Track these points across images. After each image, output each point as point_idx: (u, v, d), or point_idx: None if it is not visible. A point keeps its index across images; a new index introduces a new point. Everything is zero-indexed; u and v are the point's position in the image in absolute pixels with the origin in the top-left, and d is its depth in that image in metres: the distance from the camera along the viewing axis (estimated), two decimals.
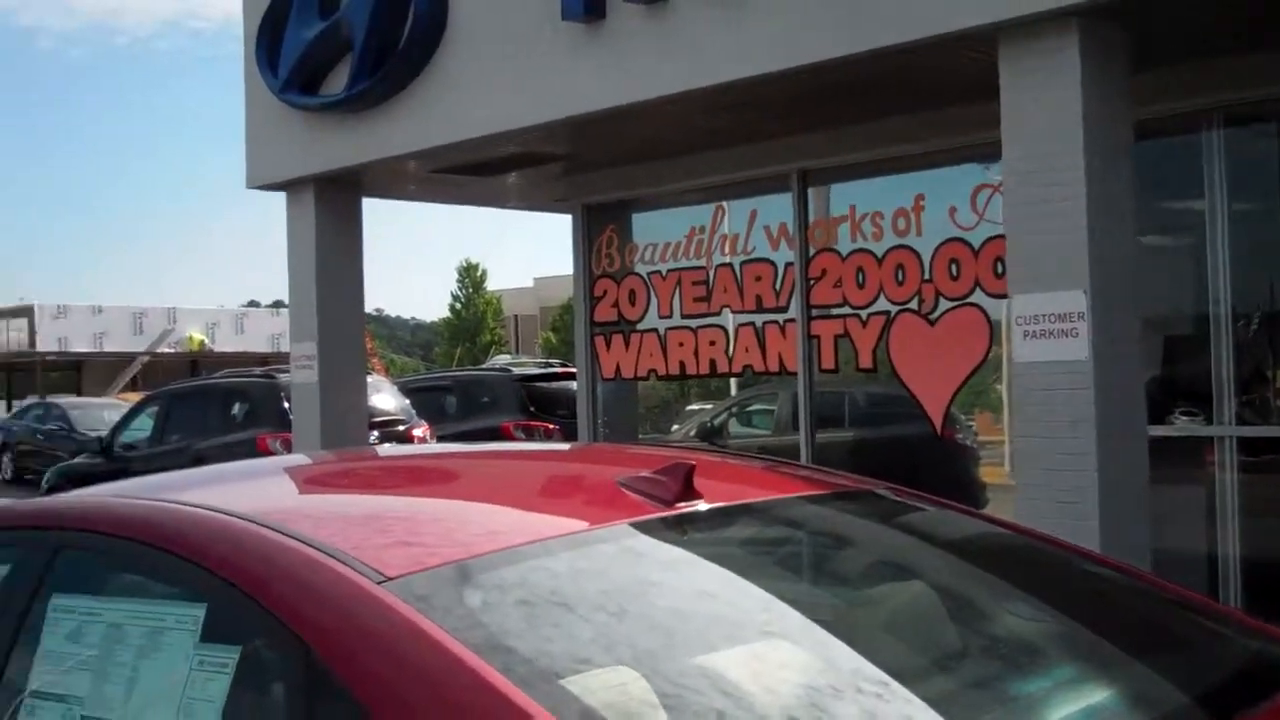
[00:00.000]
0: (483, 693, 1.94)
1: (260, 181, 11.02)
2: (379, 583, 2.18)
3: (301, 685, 2.15)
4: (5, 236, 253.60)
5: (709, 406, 11.53)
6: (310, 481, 3.63)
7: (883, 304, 8.83)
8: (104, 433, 17.47)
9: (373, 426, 12.33)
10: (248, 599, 2.28)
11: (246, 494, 3.16)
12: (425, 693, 2.00)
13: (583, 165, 10.49)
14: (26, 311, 40.21)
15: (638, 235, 10.64)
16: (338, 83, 9.89)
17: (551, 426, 15.04)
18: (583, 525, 2.71)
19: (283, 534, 2.39)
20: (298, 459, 5.24)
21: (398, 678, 2.03)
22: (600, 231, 10.77)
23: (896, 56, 6.83)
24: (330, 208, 10.73)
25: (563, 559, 2.48)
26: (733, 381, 11.07)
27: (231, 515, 2.54)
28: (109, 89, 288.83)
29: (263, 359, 33.45)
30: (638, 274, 10.45)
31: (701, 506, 2.72)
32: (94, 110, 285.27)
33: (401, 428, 14.47)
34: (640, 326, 10.37)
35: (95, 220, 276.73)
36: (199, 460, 12.70)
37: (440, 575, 2.27)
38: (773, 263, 9.54)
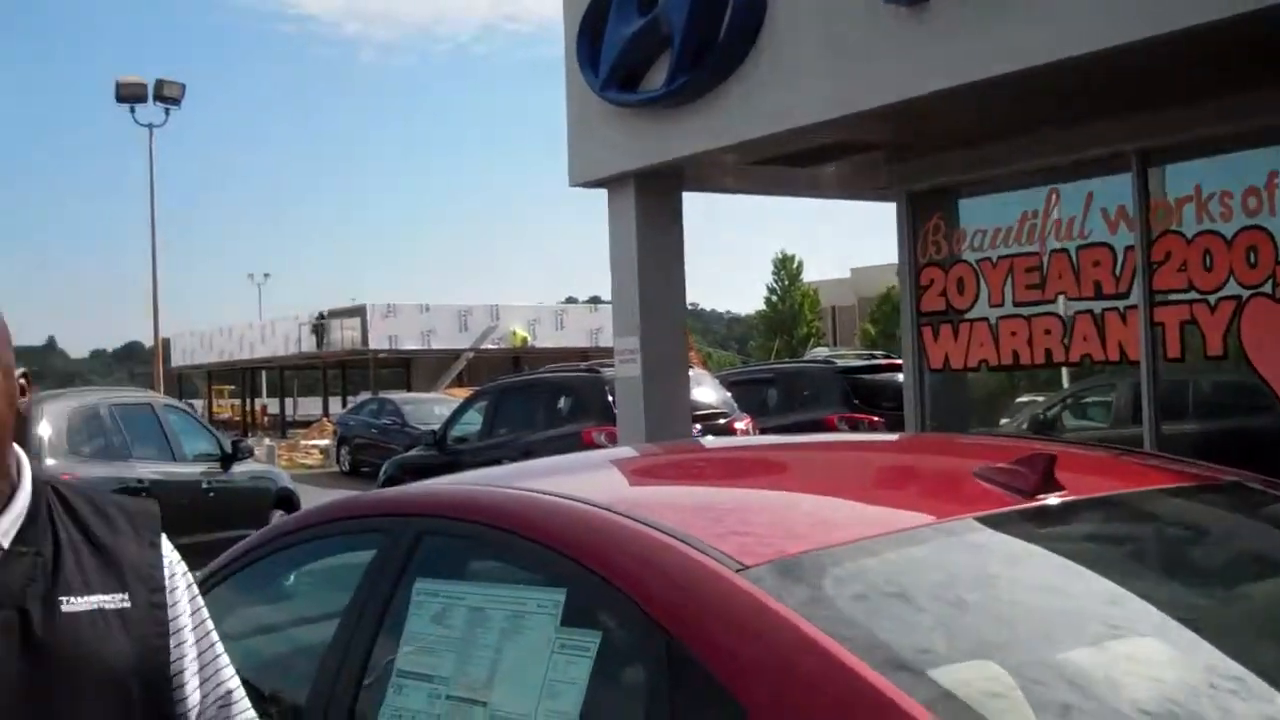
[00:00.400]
0: (858, 688, 1.89)
1: (582, 179, 11.27)
2: (737, 570, 2.17)
3: (664, 671, 2.15)
4: (341, 240, 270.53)
5: (1040, 399, 11.06)
6: (654, 472, 3.67)
7: (1233, 288, 8.26)
8: (434, 426, 18.24)
9: (695, 420, 12.43)
10: (608, 585, 2.31)
11: (597, 483, 3.21)
12: (796, 685, 1.97)
13: (906, 151, 10.26)
14: (359, 311, 42.31)
15: (965, 221, 10.31)
16: (657, 78, 10.00)
17: (876, 419, 14.78)
18: (936, 517, 2.61)
19: (640, 522, 2.40)
20: (635, 450, 5.32)
21: (764, 667, 2.01)
22: (926, 219, 10.49)
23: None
24: (651, 203, 10.86)
25: (923, 550, 2.41)
26: (1064, 373, 10.59)
27: (589, 504, 2.57)
28: (433, 95, 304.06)
29: (582, 354, 34.34)
30: (966, 261, 10.13)
31: (1061, 499, 2.60)
32: (418, 117, 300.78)
33: (723, 421, 14.52)
34: (969, 315, 10.05)
35: (423, 222, 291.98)
36: (527, 453, 13.12)
37: (798, 564, 2.23)
38: (1111, 247, 9.05)
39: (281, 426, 46.56)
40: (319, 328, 43.89)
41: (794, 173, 11.08)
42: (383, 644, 2.78)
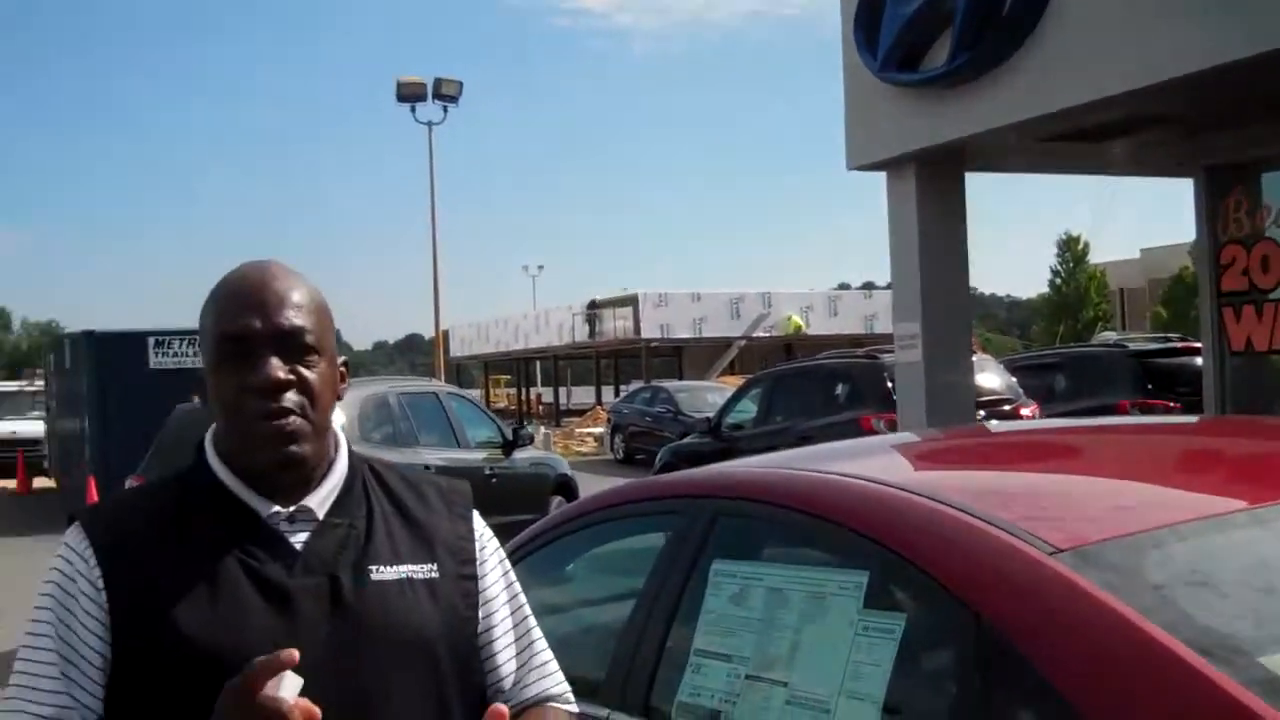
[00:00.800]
0: (1183, 675, 1.83)
1: (861, 162, 11.15)
2: (1050, 554, 2.12)
3: (974, 654, 2.12)
4: (613, 231, 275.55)
5: None
6: (944, 455, 3.60)
7: None
8: (708, 414, 18.34)
9: (978, 406, 12.11)
10: (913, 568, 2.28)
11: (892, 466, 3.18)
12: (1118, 671, 1.91)
13: (1203, 125, 9.76)
14: (631, 300, 42.76)
15: (1270, 197, 9.72)
16: (938, 57, 9.81)
17: (1173, 405, 14.08)
18: (1249, 502, 2.47)
19: (945, 505, 2.36)
20: (921, 435, 5.23)
21: (1082, 652, 1.96)
22: (1226, 194, 9.95)
23: None
24: (931, 184, 10.67)
25: (1236, 536, 2.31)
26: None
27: (890, 486, 2.54)
28: (704, 82, 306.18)
29: (856, 340, 33.89)
30: (1271, 239, 9.56)
31: None
32: (689, 105, 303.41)
33: (1008, 407, 14.06)
34: (1274, 295, 9.48)
35: (694, 211, 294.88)
36: (803, 440, 13.03)
37: (1112, 548, 2.16)
38: None
39: (556, 415, 47.70)
40: (591, 316, 44.76)
41: (1082, 149, 10.69)
42: (680, 624, 2.81)
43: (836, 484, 2.66)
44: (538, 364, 58.24)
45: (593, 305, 45.33)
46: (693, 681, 2.69)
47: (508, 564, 1.91)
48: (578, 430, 35.67)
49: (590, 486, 3.06)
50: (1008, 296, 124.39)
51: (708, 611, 2.76)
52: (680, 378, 40.42)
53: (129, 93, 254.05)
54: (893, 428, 12.23)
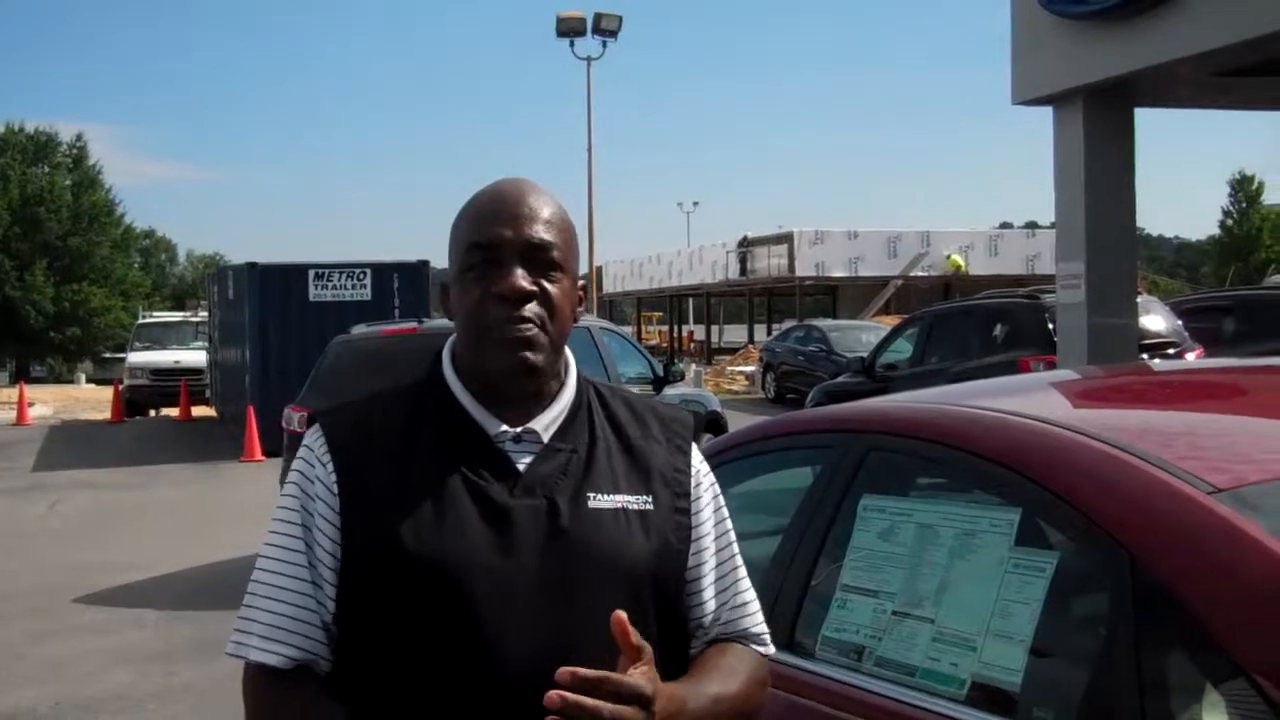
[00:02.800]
0: None
1: (1027, 96, 10.88)
2: (1210, 493, 2.07)
3: (1127, 594, 2.07)
4: (769, 168, 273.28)
5: None
6: (1103, 394, 3.51)
7: None
8: (861, 354, 18.11)
9: (1142, 349, 11.76)
10: (1068, 506, 2.24)
11: (1050, 403, 3.11)
12: (1277, 619, 1.85)
13: None
14: (787, 238, 42.29)
15: None
16: None
17: None
18: None
19: (1103, 442, 2.30)
20: (1080, 373, 5.09)
21: (1241, 594, 1.92)
22: None
23: None
24: (1099, 120, 10.36)
25: None
26: None
27: (1047, 423, 2.48)
28: (863, 13, 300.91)
29: (1017, 281, 33.08)
30: None
31: None
32: (846, 38, 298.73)
33: (1173, 351, 13.65)
34: None
35: (851, 148, 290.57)
36: (959, 381, 12.76)
37: (1274, 490, 2.12)
38: None
39: (707, 353, 47.63)
40: (743, 254, 44.49)
41: (1261, 83, 10.24)
42: (827, 558, 2.81)
43: (991, 420, 2.60)
44: (690, 301, 58.26)
45: (745, 243, 45.03)
46: (839, 616, 2.69)
47: (721, 500, 1.92)
48: (729, 368, 35.63)
49: (740, 425, 3.09)
50: (1175, 238, 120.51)
51: (855, 547, 2.75)
52: (834, 317, 40.00)
53: (290, 31, 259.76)
54: (1052, 370, 11.97)
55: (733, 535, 1.92)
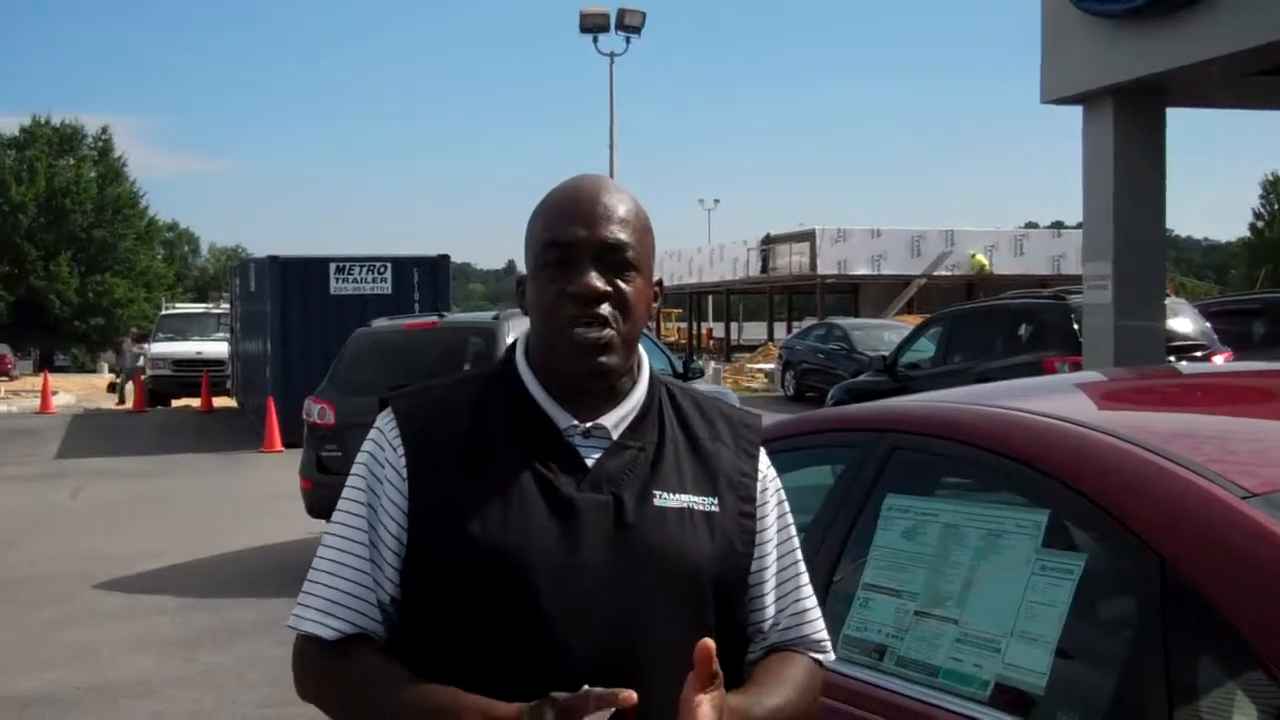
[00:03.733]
0: None
1: (1057, 95, 10.81)
2: (1243, 498, 2.04)
3: (1156, 598, 2.05)
4: (791, 166, 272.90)
5: None
6: (1130, 396, 3.48)
7: None
8: (883, 353, 18.03)
9: (1169, 351, 11.67)
10: (1096, 508, 2.21)
11: (1078, 405, 3.08)
12: None
13: None
14: (808, 236, 42.09)
15: None
16: None
17: None
18: None
19: (1133, 445, 2.27)
20: (1106, 375, 5.04)
21: (1272, 601, 1.89)
22: None
23: None
24: (1129, 120, 10.30)
25: None
26: None
27: (1076, 424, 2.45)
28: (885, 13, 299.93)
29: (1042, 281, 32.91)
30: None
31: None
32: (870, 36, 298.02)
33: (1200, 354, 13.54)
34: None
35: (873, 146, 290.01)
36: (983, 382, 12.68)
37: None
38: None
39: (726, 350, 47.58)
40: (765, 252, 44.37)
41: None
42: (849, 557, 2.78)
43: (1019, 420, 2.57)
44: (710, 298, 58.20)
45: (767, 240, 44.93)
46: (860, 615, 2.66)
47: (786, 506, 1.91)
48: (748, 366, 35.59)
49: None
50: (1204, 239, 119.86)
51: (878, 546, 2.73)
52: (856, 315, 39.86)
53: (315, 24, 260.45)
54: (1078, 371, 11.90)
55: (796, 542, 1.91)
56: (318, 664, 1.76)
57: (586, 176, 1.83)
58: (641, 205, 1.82)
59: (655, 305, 1.84)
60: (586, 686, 1.55)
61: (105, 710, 6.45)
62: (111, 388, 32.25)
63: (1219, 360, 13.56)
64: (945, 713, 2.32)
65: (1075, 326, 12.92)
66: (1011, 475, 2.48)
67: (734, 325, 54.43)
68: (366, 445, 1.81)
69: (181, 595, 9.04)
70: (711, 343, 53.07)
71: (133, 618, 8.43)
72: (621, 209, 1.77)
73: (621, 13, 34.24)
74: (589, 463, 1.74)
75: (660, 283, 1.87)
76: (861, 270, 41.61)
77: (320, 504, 9.93)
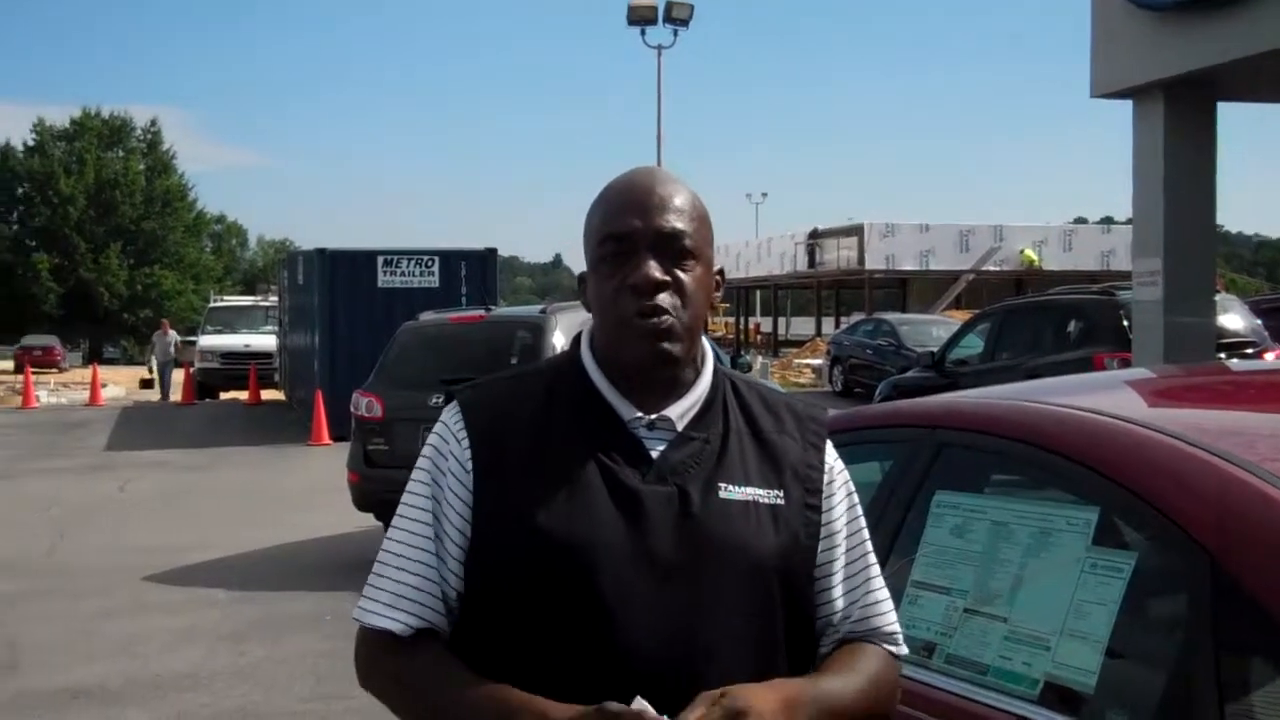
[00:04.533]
0: None
1: (1106, 89, 10.71)
2: None
3: (1207, 596, 2.03)
4: (839, 160, 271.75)
5: None
6: (1187, 393, 3.45)
7: None
8: (932, 348, 17.93)
9: (1219, 347, 11.55)
10: (1147, 506, 2.19)
11: (1129, 402, 3.05)
12: None
13: None
14: (857, 230, 41.92)
15: None
16: None
17: None
18: None
19: (1184, 441, 2.25)
20: (1156, 371, 4.99)
21: None
22: None
23: None
24: (1180, 114, 10.19)
25: None
26: None
27: (1128, 421, 2.42)
28: (933, 6, 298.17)
29: (1091, 277, 32.64)
30: None
31: None
32: (914, 27, 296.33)
33: (1251, 350, 13.39)
34: None
35: (922, 140, 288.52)
36: (1032, 378, 12.60)
37: None
38: None
39: (774, 345, 47.47)
40: (812, 246, 44.21)
41: None
42: (898, 554, 2.76)
43: (1070, 417, 2.55)
44: (757, 293, 58.08)
45: (815, 234, 44.76)
46: (909, 613, 2.65)
47: (855, 499, 1.90)
48: (795, 361, 35.50)
49: None
50: (1255, 235, 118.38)
51: (927, 543, 2.71)
52: (904, 311, 39.65)
53: (362, 19, 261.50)
54: (1128, 368, 11.79)
55: (866, 534, 1.89)
56: (381, 657, 1.77)
57: (641, 169, 1.84)
58: (698, 195, 1.82)
59: (717, 294, 1.84)
60: (640, 700, 1.56)
61: (153, 702, 6.51)
62: (146, 384, 32.29)
63: (1270, 357, 13.42)
64: (994, 711, 2.31)
65: (1125, 323, 12.81)
66: (1061, 472, 2.46)
67: (781, 320, 54.26)
68: (431, 439, 1.82)
69: (230, 588, 9.12)
70: (759, 338, 52.95)
71: (181, 610, 8.51)
72: (677, 199, 1.77)
73: (669, 5, 34.14)
74: (654, 454, 1.74)
75: (721, 271, 1.87)
76: (910, 265, 41.39)
77: (368, 497, 10.00)
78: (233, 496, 13.85)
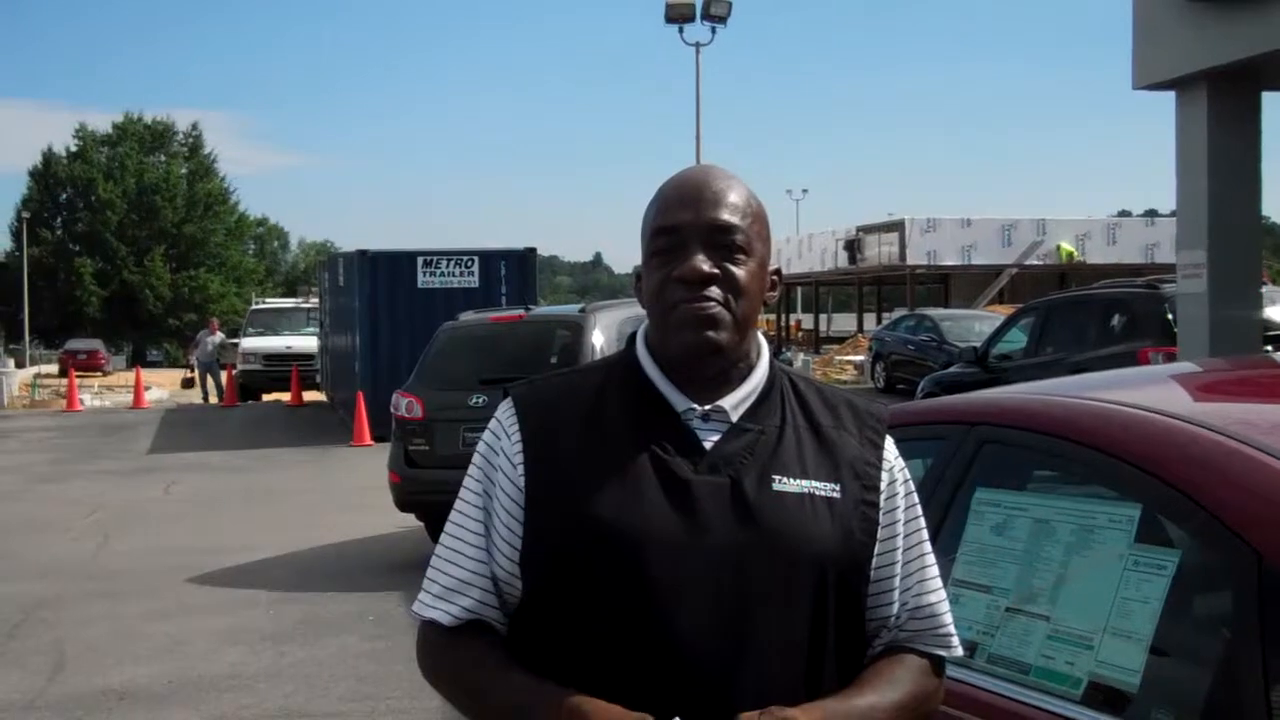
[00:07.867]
0: None
1: (1149, 80, 10.59)
2: None
3: (1254, 593, 2.00)
4: (880, 156, 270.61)
5: None
6: (1226, 387, 3.38)
7: None
8: (974, 344, 17.80)
9: (1265, 340, 11.41)
10: (1192, 503, 2.15)
11: (1173, 397, 3.00)
12: None
13: None
14: (898, 226, 41.61)
15: None
16: None
17: None
18: None
19: (1230, 438, 2.21)
20: (1200, 365, 4.92)
21: None
22: None
23: None
24: (1224, 105, 10.06)
25: None
26: None
27: (1171, 416, 2.38)
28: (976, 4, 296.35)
29: (1135, 270, 32.32)
30: None
31: None
32: (957, 22, 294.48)
33: None
34: None
35: (963, 134, 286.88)
36: (1076, 372, 12.52)
37: None
38: None
39: (815, 342, 47.25)
40: (852, 244, 43.99)
41: None
42: (940, 552, 2.72)
43: (1112, 413, 2.51)
44: (799, 290, 57.90)
45: (856, 231, 44.55)
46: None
47: (915, 498, 1.87)
48: (837, 358, 35.34)
49: None
50: None
51: (968, 541, 2.69)
52: (946, 306, 39.38)
53: (400, 21, 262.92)
54: (1173, 362, 11.67)
55: (925, 535, 1.87)
56: (436, 648, 1.81)
57: (698, 166, 1.86)
58: (754, 192, 1.82)
59: (772, 294, 1.84)
60: None
61: (197, 703, 6.55)
62: (188, 383, 32.34)
63: None
64: (1037, 711, 2.28)
65: (1169, 316, 12.67)
66: (1104, 469, 2.43)
67: (822, 317, 54.07)
68: (485, 435, 1.84)
69: (273, 589, 9.17)
70: (800, 335, 52.78)
71: (225, 611, 8.56)
72: (731, 194, 1.78)
73: (707, 2, 34.09)
74: (707, 445, 1.74)
75: (779, 271, 1.87)
76: (951, 260, 41.07)
77: (409, 498, 10.03)
78: (276, 498, 13.93)
